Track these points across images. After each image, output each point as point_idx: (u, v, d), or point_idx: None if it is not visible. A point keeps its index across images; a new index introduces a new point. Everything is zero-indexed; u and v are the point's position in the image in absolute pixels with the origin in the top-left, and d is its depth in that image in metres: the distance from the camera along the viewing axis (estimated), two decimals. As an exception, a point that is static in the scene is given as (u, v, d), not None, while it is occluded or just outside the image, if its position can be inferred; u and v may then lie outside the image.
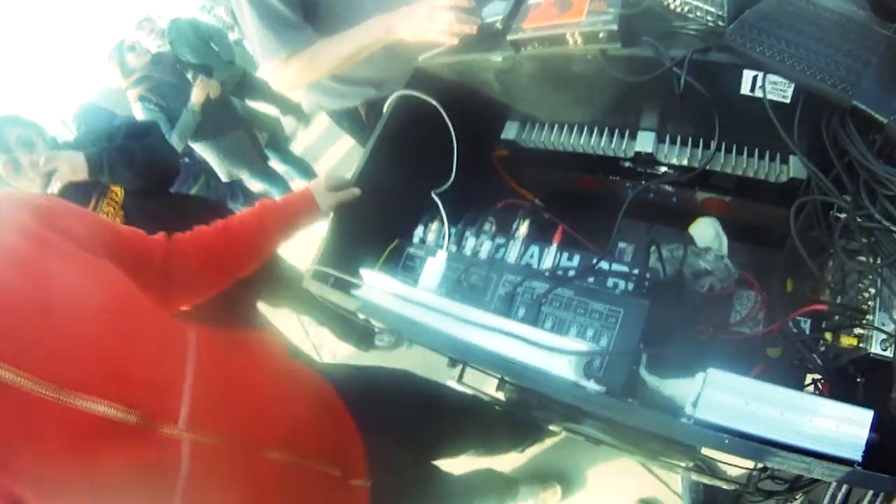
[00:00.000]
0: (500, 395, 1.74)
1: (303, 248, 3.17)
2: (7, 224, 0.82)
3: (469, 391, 1.76)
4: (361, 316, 1.22)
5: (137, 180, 1.98)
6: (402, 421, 1.32)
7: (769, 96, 1.02)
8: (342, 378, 1.25)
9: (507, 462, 2.27)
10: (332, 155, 5.00)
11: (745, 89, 1.07)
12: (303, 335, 3.24)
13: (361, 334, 2.93)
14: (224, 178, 3.81)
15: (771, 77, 1.01)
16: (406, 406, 1.37)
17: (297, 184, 4.47)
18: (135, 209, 1.98)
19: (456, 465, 1.94)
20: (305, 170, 4.47)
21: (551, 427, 1.68)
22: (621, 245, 1.35)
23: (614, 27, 1.10)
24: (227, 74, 4.60)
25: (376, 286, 1.14)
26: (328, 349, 3.23)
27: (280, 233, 1.30)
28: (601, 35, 1.12)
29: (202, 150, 3.65)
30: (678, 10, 1.11)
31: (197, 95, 3.39)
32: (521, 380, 0.96)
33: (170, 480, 0.78)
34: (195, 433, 0.80)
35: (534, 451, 2.33)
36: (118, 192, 1.97)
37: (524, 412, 1.70)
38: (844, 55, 0.90)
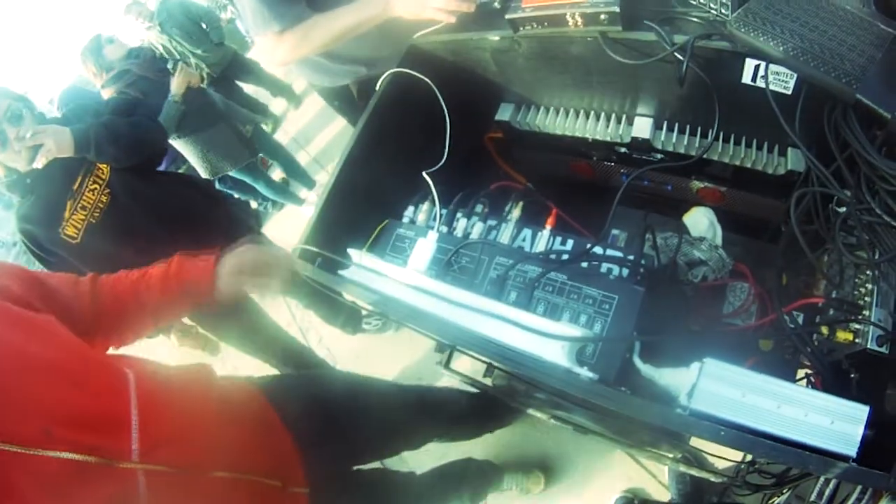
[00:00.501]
0: (488, 382, 1.73)
1: (290, 229, 3.15)
2: None
3: (456, 378, 1.75)
4: (348, 298, 1.20)
5: (124, 157, 1.96)
6: (339, 428, 1.34)
7: (771, 87, 1.00)
8: (280, 392, 1.30)
9: (491, 451, 2.27)
10: (323, 137, 4.95)
11: (746, 78, 1.05)
12: (290, 318, 3.21)
13: (348, 317, 2.90)
14: (207, 175, 3.63)
15: (773, 67, 0.99)
16: (343, 413, 1.38)
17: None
18: (121, 188, 1.96)
19: (438, 453, 1.94)
20: (290, 165, 4.39)
21: (538, 415, 1.66)
22: (615, 232, 1.33)
23: (616, 9, 1.07)
24: (217, 56, 4.57)
25: (364, 266, 1.11)
26: (314, 332, 3.21)
27: (181, 306, 1.27)
28: (602, 17, 1.10)
29: (183, 146, 3.52)
30: None
31: (178, 84, 3.25)
32: (512, 365, 0.94)
33: None
34: (147, 464, 0.89)
35: (518, 439, 2.32)
36: (105, 169, 1.96)
37: (511, 399, 1.69)
38: (849, 49, 0.89)
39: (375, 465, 1.57)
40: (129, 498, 0.87)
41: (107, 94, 3.19)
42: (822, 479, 1.00)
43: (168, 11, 4.34)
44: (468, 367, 1.80)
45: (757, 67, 1.02)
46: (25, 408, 0.80)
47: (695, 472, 1.46)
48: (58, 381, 0.86)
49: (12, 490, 0.75)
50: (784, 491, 1.24)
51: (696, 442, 1.44)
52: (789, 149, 1.20)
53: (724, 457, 1.38)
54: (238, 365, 3.04)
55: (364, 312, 2.99)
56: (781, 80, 1.01)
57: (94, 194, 1.92)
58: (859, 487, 0.88)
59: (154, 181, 2.11)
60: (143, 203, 2.00)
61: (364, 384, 1.59)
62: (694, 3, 1.07)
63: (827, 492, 0.99)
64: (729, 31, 0.97)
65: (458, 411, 1.93)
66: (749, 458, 1.30)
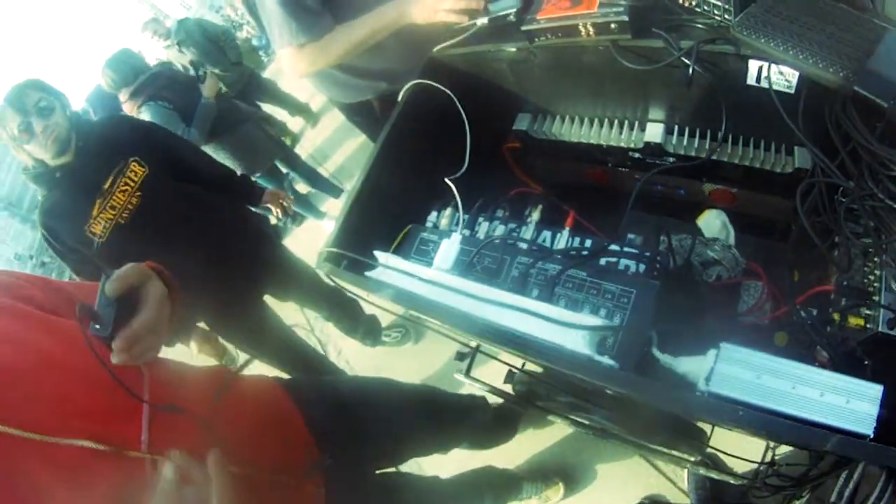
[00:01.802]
0: (508, 388, 1.76)
1: (309, 244, 3.18)
2: None
3: (476, 386, 1.78)
4: (373, 301, 1.24)
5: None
6: (358, 427, 1.35)
7: (774, 86, 1.04)
8: (300, 389, 1.32)
9: (510, 459, 2.28)
10: (340, 154, 5.00)
11: (751, 80, 1.10)
12: (308, 331, 3.25)
13: (367, 329, 2.92)
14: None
15: (776, 67, 1.04)
16: (362, 412, 1.40)
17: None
18: (153, 192, 2.01)
19: (458, 461, 1.96)
20: (312, 175, 4.41)
21: (557, 420, 1.69)
22: (630, 236, 1.37)
23: (625, 18, 1.13)
24: (234, 75, 4.60)
25: (391, 267, 1.16)
26: (333, 345, 3.24)
27: None
28: (613, 26, 1.16)
29: (215, 149, 3.54)
30: (686, 3, 1.14)
31: (210, 87, 3.37)
32: (536, 355, 0.97)
33: (139, 495, 0.88)
34: (156, 454, 0.91)
35: (536, 447, 2.34)
36: (138, 172, 2.00)
37: (530, 405, 1.71)
38: (846, 45, 0.93)
39: (396, 469, 1.58)
40: (136, 485, 0.90)
41: (128, 107, 3.27)
42: (841, 478, 1.01)
43: (186, 30, 4.38)
44: (488, 375, 1.83)
45: (760, 68, 1.07)
46: (44, 400, 0.86)
47: (714, 475, 1.48)
48: (76, 378, 0.91)
49: (28, 476, 0.80)
50: (804, 493, 1.25)
51: (715, 441, 1.45)
52: (796, 147, 1.24)
53: (743, 458, 1.39)
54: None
55: (384, 324, 3.03)
56: (784, 80, 1.05)
57: (124, 195, 1.96)
58: (879, 486, 0.90)
59: (187, 188, 2.16)
60: (173, 209, 2.06)
61: (385, 385, 1.63)
62: (698, 9, 1.12)
63: (847, 492, 1.01)
64: (732, 34, 1.02)
65: (477, 419, 1.97)
66: (768, 458, 1.32)
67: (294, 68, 1.75)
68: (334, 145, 5.13)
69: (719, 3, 1.07)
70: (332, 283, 1.26)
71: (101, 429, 0.88)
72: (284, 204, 2.54)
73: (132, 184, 1.98)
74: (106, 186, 1.93)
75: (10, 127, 1.85)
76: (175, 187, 2.11)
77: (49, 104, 1.89)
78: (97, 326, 0.86)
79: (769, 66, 1.04)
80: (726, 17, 1.07)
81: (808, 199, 1.05)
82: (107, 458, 0.87)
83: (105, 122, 2.33)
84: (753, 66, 1.07)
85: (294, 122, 5.65)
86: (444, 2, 1.45)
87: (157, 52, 4.56)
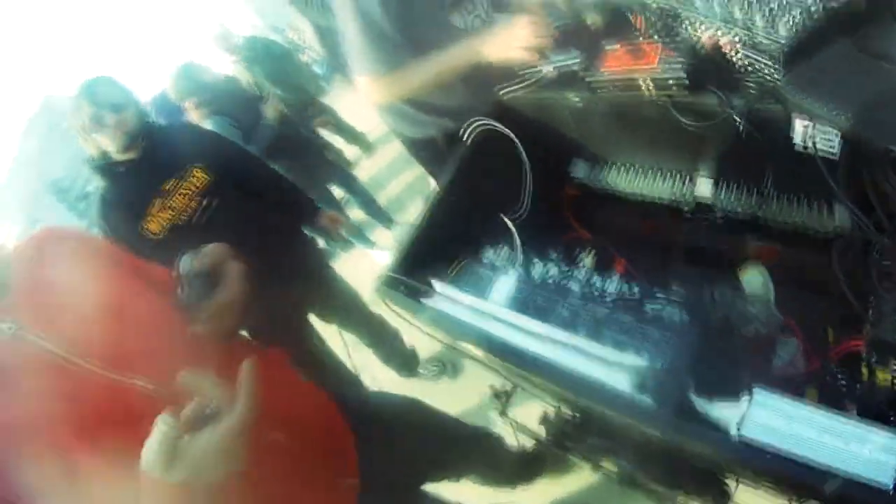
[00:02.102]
0: (542, 430, 1.81)
1: (357, 270, 3.24)
2: (80, 256, 1.09)
3: (511, 426, 1.83)
4: (425, 329, 1.33)
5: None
6: (398, 439, 1.43)
7: (817, 144, 1.11)
8: (346, 395, 1.40)
9: (534, 501, 2.31)
10: (393, 187, 5.08)
11: (796, 138, 1.16)
12: (345, 355, 3.31)
13: (405, 360, 2.98)
14: None
15: (820, 126, 1.10)
16: (405, 428, 1.48)
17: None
18: (215, 200, 2.13)
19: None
20: (368, 201, 4.47)
21: (585, 466, 1.73)
22: (674, 287, 1.43)
23: (683, 75, 1.23)
24: (296, 98, 4.63)
25: (447, 296, 1.24)
26: (369, 372, 3.29)
27: None
28: (671, 82, 1.26)
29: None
30: (739, 62, 1.22)
31: (272, 109, 3.49)
32: (580, 393, 1.05)
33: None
34: None
35: (561, 493, 2.36)
36: (201, 178, 2.12)
37: (560, 447, 1.76)
38: (887, 107, 0.99)
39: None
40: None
41: (193, 117, 3.42)
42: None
43: (253, 48, 4.46)
44: (524, 415, 1.88)
45: (805, 127, 1.13)
46: (125, 347, 0.96)
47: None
48: (147, 333, 1.02)
49: (97, 409, 0.89)
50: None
51: (739, 498, 1.48)
52: (837, 204, 1.30)
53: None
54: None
55: (423, 357, 3.10)
56: (827, 138, 1.11)
57: (184, 199, 2.07)
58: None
59: (247, 199, 2.27)
60: (231, 217, 2.16)
61: (423, 407, 1.71)
62: (749, 68, 1.20)
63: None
64: (780, 93, 1.10)
65: (508, 455, 2.01)
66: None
67: (370, 96, 1.87)
68: (388, 177, 5.22)
69: (769, 63, 1.14)
70: (374, 310, 1.34)
71: (159, 374, 0.96)
72: (339, 228, 2.62)
73: (193, 189, 2.10)
74: (166, 187, 2.04)
75: (83, 116, 1.99)
76: (236, 197, 2.21)
77: (122, 100, 2.03)
78: (180, 293, 0.95)
79: (813, 125, 1.10)
80: (775, 75, 1.14)
81: (845, 256, 1.12)
82: (158, 401, 0.89)
83: (173, 125, 2.46)
84: (799, 124, 1.14)
85: (350, 150, 5.73)
86: (515, 38, 1.55)
87: (223, 66, 4.56)
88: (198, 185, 2.12)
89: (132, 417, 0.88)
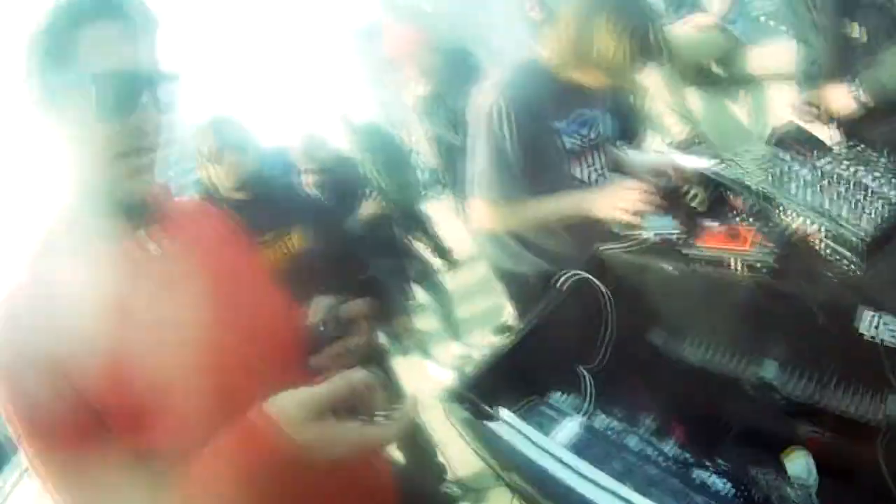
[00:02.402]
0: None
1: (407, 377, 3.26)
2: (217, 227, 1.20)
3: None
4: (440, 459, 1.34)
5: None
6: None
7: (884, 335, 1.12)
8: None
9: None
10: (467, 308, 5.03)
11: (862, 327, 1.16)
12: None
13: (432, 473, 2.93)
14: None
15: (886, 317, 1.12)
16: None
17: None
18: (301, 264, 2.23)
19: None
20: (447, 310, 4.42)
21: None
22: (720, 460, 1.41)
23: (772, 263, 1.29)
24: (398, 195, 4.62)
25: (512, 426, 1.26)
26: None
27: None
28: (760, 266, 1.32)
29: None
30: (823, 253, 1.29)
31: (368, 207, 3.56)
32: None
33: None
34: None
35: None
36: (295, 242, 2.23)
37: None
38: None
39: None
40: None
41: (308, 180, 3.56)
42: None
43: (370, 134, 4.59)
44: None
45: (873, 317, 1.14)
46: (241, 319, 1.04)
47: None
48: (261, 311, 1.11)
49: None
50: None
51: None
52: (889, 395, 1.26)
53: None
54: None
55: (449, 476, 3.03)
56: (891, 329, 1.12)
57: (275, 254, 2.18)
58: None
59: (330, 273, 2.29)
60: (309, 285, 2.20)
61: None
62: (830, 260, 1.26)
63: None
64: (857, 285, 1.15)
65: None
66: None
67: (481, 218, 1.97)
68: (465, 297, 5.21)
69: (848, 255, 1.20)
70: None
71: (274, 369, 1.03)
72: (408, 334, 2.66)
73: (287, 250, 2.21)
74: (265, 238, 2.14)
75: (206, 146, 2.14)
76: (321, 268, 2.28)
77: (245, 144, 2.17)
78: (322, 328, 1.07)
79: (880, 315, 1.12)
80: (856, 270, 1.19)
81: (891, 448, 1.11)
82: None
83: (288, 181, 2.57)
84: (867, 313, 1.15)
85: (433, 263, 5.71)
86: (623, 200, 1.65)
87: (341, 143, 4.63)
88: (292, 247, 2.22)
89: (229, 383, 0.95)
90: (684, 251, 1.46)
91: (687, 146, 3.61)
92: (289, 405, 0.80)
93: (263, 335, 1.07)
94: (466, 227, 5.34)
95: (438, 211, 5.87)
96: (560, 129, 1.94)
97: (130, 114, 0.86)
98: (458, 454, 1.61)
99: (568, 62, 1.86)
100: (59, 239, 0.92)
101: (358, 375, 0.86)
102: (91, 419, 0.84)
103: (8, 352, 0.84)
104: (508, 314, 4.12)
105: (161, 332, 0.91)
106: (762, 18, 3.72)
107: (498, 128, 1.86)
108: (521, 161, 1.88)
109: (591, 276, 1.53)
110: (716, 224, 1.51)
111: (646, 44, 1.73)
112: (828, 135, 2.06)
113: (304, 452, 0.78)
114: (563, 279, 1.57)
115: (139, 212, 0.98)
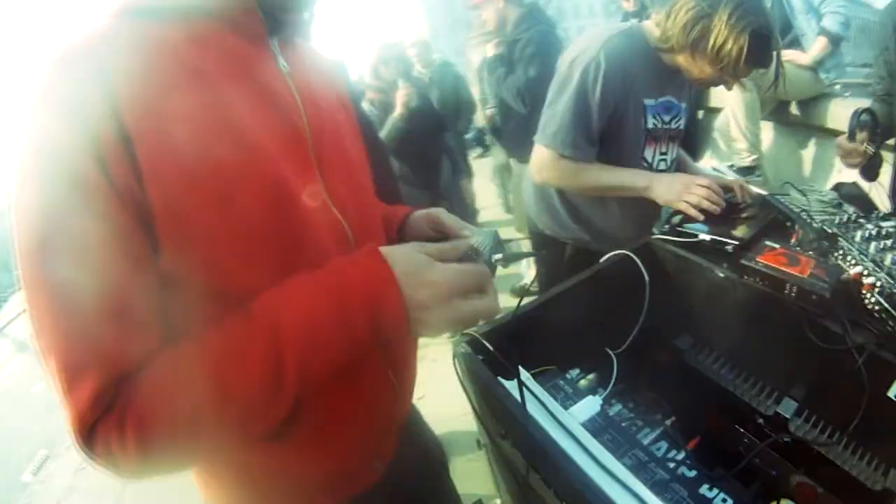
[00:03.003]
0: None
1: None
2: (334, 80, 1.14)
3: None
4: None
5: None
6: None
7: None
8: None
9: None
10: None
11: (892, 392, 1.15)
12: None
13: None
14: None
15: None
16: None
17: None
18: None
19: None
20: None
21: None
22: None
23: (827, 293, 1.26)
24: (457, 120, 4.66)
25: (528, 387, 1.18)
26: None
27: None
28: (813, 296, 1.28)
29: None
30: (870, 305, 1.27)
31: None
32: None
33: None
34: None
35: None
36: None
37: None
38: None
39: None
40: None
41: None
42: None
43: (443, 73, 4.58)
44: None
45: None
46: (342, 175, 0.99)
47: None
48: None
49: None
50: None
51: None
52: (893, 469, 1.24)
53: None
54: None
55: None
56: None
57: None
58: None
59: None
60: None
61: None
62: (876, 314, 1.25)
63: None
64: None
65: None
66: None
67: (541, 169, 1.90)
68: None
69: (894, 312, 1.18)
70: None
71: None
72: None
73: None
74: None
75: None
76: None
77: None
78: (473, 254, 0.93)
79: None
80: None
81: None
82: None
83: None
84: None
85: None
86: (690, 194, 1.58)
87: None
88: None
89: (309, 228, 0.87)
90: (742, 260, 1.40)
91: (746, 174, 3.60)
92: (405, 261, 0.78)
93: (360, 195, 1.04)
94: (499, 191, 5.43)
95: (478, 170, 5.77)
96: (648, 107, 1.89)
97: None
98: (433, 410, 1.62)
99: (676, 46, 1.77)
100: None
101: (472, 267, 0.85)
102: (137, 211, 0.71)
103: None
104: (529, 278, 4.20)
105: (256, 145, 0.81)
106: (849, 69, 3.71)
107: (592, 82, 1.79)
108: (601, 122, 1.82)
109: (638, 260, 1.46)
110: (777, 246, 1.46)
111: (762, 48, 1.65)
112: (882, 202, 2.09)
113: (412, 312, 0.76)
114: (609, 255, 1.51)
115: (282, 22, 0.91)
